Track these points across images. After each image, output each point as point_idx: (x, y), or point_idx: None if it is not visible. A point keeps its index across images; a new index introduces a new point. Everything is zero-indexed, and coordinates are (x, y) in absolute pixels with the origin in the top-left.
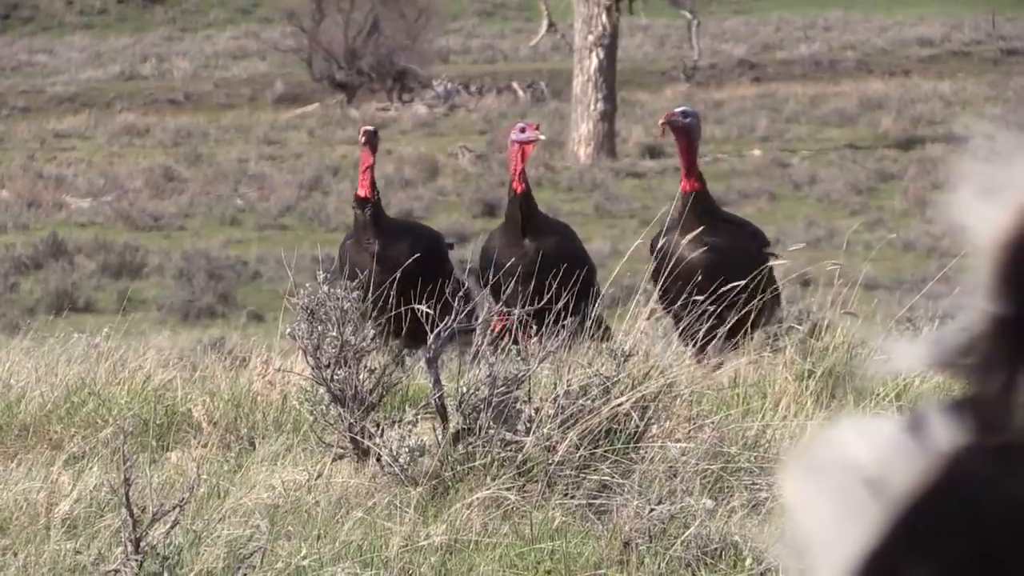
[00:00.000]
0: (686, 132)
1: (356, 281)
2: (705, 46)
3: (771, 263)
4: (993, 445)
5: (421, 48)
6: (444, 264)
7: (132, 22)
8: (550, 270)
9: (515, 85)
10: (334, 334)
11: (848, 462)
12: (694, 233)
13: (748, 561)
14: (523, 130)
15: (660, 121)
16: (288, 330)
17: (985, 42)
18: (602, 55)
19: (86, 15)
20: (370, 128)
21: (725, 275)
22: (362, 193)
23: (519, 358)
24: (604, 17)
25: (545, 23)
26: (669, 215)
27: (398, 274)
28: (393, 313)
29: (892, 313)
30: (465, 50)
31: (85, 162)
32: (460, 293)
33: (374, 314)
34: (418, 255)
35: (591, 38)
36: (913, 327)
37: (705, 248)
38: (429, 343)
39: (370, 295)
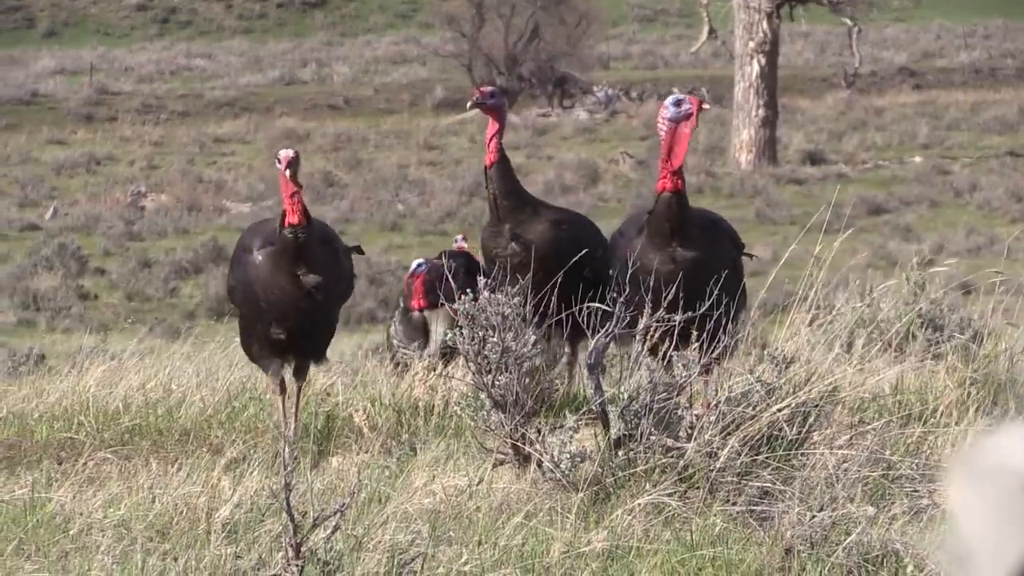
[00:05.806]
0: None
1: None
2: (866, 53)
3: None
4: None
5: (581, 54)
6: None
7: (291, 27)
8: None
9: (676, 91)
10: (495, 340)
11: (1011, 468)
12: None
13: (909, 568)
14: (679, 103)
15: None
16: (449, 336)
17: None
18: (763, 61)
19: (245, 19)
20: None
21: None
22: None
23: (680, 364)
24: (765, 24)
25: (706, 29)
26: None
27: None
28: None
29: None
30: (625, 56)
31: (245, 167)
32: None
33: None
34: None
35: (752, 44)
36: None
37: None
38: (590, 349)
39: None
